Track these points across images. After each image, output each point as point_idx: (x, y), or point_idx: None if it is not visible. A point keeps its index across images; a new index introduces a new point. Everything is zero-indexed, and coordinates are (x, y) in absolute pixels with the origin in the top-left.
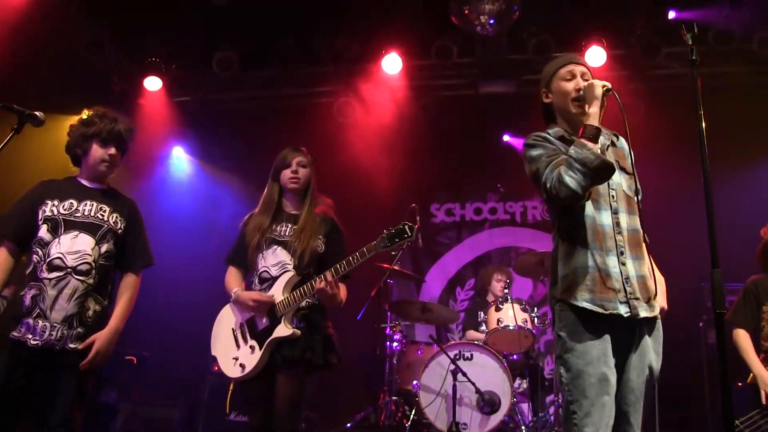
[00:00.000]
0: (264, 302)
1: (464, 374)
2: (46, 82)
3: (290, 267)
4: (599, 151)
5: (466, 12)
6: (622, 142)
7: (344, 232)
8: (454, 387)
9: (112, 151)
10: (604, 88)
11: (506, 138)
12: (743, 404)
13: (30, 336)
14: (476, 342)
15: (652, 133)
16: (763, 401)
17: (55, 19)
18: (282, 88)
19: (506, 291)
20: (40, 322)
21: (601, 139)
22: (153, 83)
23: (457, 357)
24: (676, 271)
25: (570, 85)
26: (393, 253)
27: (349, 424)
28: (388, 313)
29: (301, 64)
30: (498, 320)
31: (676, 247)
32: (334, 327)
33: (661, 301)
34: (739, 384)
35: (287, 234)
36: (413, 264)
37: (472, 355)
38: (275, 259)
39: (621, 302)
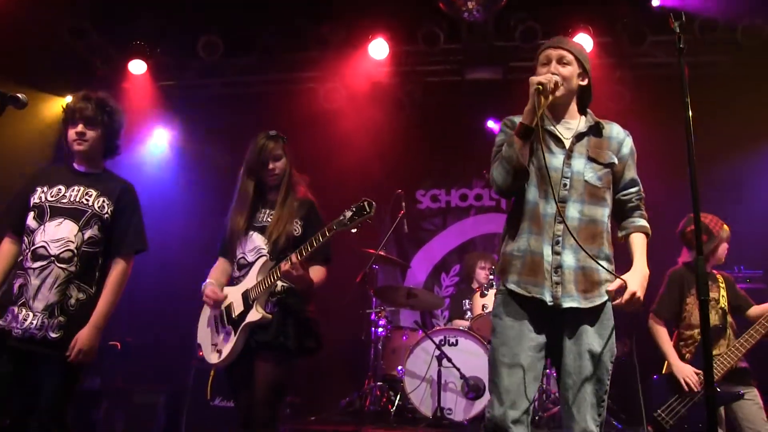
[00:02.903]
0: (214, 299)
1: (449, 360)
2: (29, 66)
3: (265, 252)
4: (522, 151)
5: None
6: (612, 132)
7: (322, 215)
8: (439, 372)
9: (80, 128)
10: (535, 87)
11: (491, 124)
12: (662, 393)
13: (14, 325)
14: (461, 328)
15: (637, 120)
16: (685, 389)
17: (36, 3)
18: (268, 74)
19: (491, 277)
20: (23, 310)
21: (562, 131)
22: (137, 67)
23: (442, 343)
24: (660, 258)
25: (544, 70)
26: (354, 231)
27: (334, 410)
28: (373, 299)
29: (288, 49)
30: (483, 306)
31: (661, 233)
32: (318, 313)
33: (634, 285)
34: (654, 377)
35: (264, 219)
36: (398, 250)
37: (457, 340)
38: (251, 245)
39: (546, 290)
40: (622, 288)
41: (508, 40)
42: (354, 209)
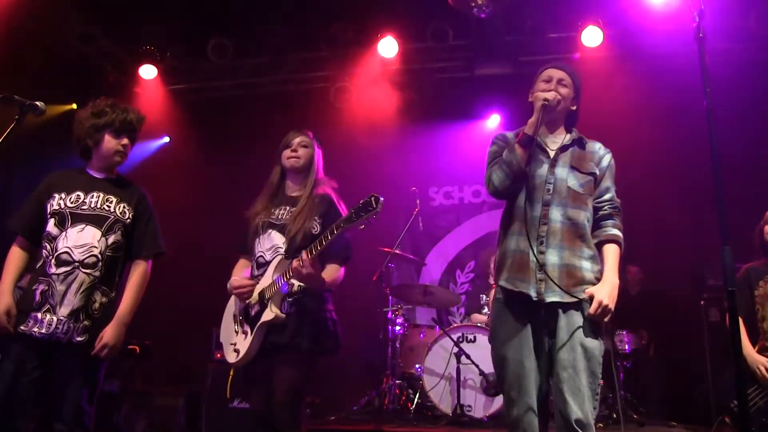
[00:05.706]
0: (244, 289)
1: (468, 356)
2: (40, 74)
3: (282, 250)
4: (523, 158)
5: None
6: (594, 147)
7: (342, 212)
8: (458, 369)
9: (125, 141)
10: (542, 102)
11: (494, 117)
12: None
13: (36, 329)
14: (479, 324)
15: (651, 111)
16: (760, 379)
17: (45, 10)
18: (278, 75)
19: None
20: (48, 316)
21: (549, 143)
22: (148, 71)
23: (460, 340)
24: (676, 250)
25: (545, 86)
26: (362, 227)
27: (353, 409)
28: (390, 297)
29: (297, 49)
30: None
31: (675, 227)
32: (336, 313)
33: (600, 295)
34: None
35: (284, 217)
36: (413, 247)
37: (475, 337)
38: (269, 243)
39: (532, 286)
40: (591, 298)
41: (518, 35)
42: (360, 205)
